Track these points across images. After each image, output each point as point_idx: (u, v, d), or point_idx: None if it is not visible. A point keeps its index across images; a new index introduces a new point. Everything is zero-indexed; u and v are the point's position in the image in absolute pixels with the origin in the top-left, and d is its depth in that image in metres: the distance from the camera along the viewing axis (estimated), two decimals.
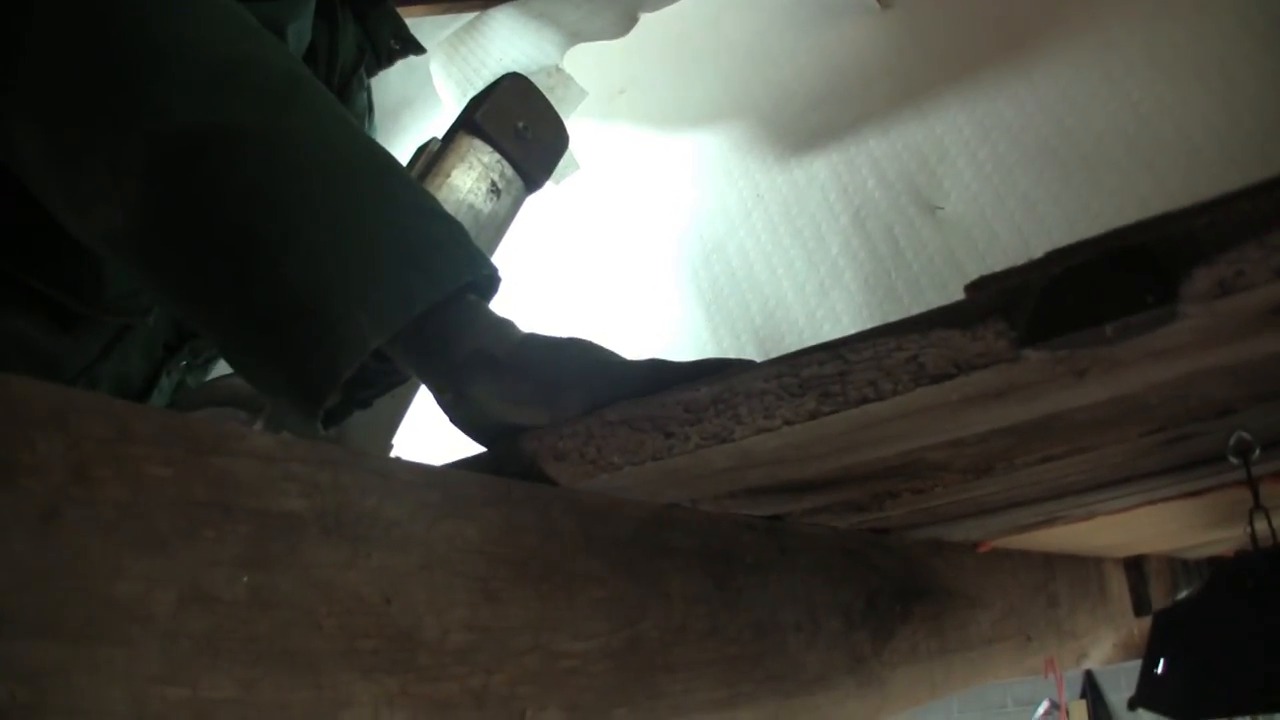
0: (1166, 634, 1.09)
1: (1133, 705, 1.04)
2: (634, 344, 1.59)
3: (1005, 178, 1.22)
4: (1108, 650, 2.77)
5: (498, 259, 0.84)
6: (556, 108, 1.63)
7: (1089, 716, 6.48)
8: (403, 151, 2.07)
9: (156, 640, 0.47)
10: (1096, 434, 0.78)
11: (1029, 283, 0.50)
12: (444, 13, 1.97)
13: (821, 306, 1.34)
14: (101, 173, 0.81)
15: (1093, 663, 2.83)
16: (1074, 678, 6.71)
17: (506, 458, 0.69)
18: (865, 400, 0.56)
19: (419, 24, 1.60)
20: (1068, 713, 6.25)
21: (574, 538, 0.70)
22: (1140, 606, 2.48)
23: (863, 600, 1.03)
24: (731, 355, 1.42)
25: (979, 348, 0.52)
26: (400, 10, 1.48)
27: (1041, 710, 6.77)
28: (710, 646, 0.79)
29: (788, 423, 0.58)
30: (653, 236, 1.61)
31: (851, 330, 1.25)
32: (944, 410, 0.60)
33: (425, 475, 0.62)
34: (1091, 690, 6.59)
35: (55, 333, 1.10)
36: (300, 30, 1.15)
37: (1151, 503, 1.30)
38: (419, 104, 2.13)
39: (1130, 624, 2.64)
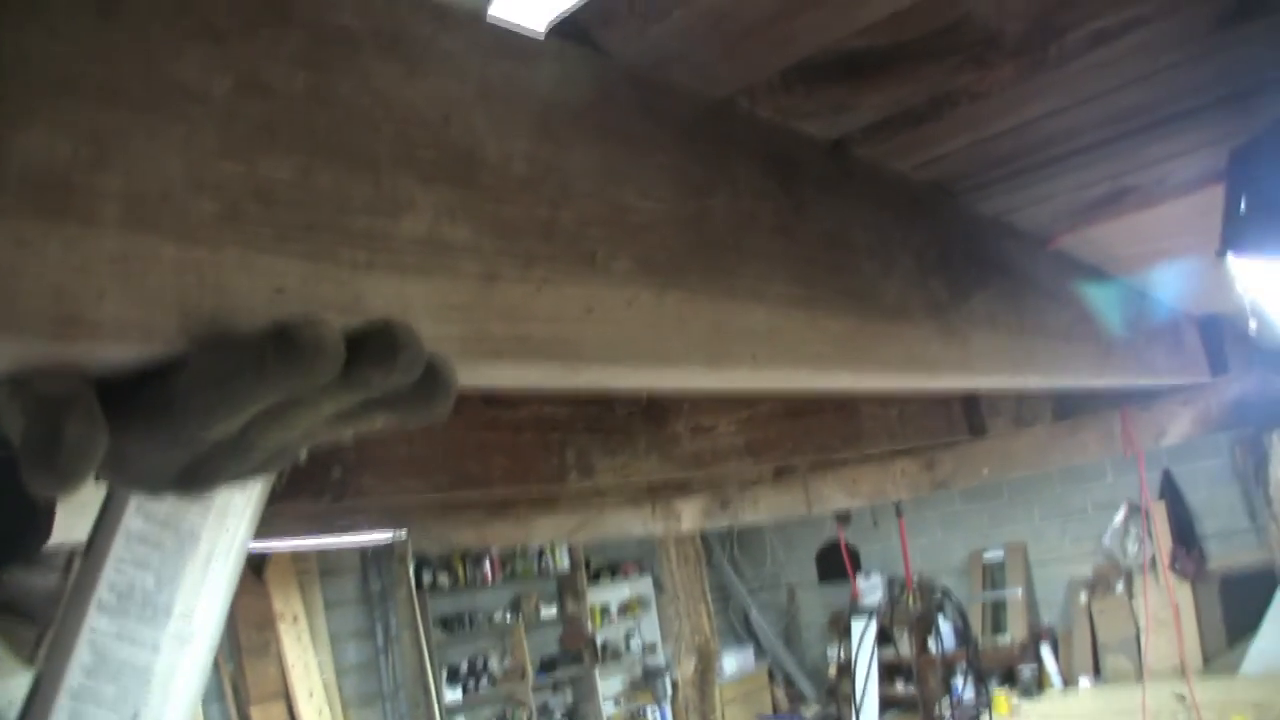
0: (1243, 170, 1.00)
1: (1221, 253, 1.00)
2: None
3: None
4: (1185, 425, 2.72)
5: None
6: None
7: (1168, 515, 6.48)
8: None
9: (214, 119, 0.47)
10: None
11: None
12: None
13: None
14: None
15: (1171, 439, 2.77)
16: (1152, 480, 6.64)
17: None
18: None
19: None
20: (1148, 515, 6.25)
21: (632, 104, 0.68)
22: (1216, 366, 2.36)
23: (935, 250, 1.01)
24: None
25: None
26: None
27: (1121, 515, 6.77)
28: (781, 243, 0.78)
29: None
30: None
31: None
32: None
33: (478, 19, 0.61)
34: (1170, 490, 6.57)
35: None
36: None
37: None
38: None
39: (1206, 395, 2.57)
